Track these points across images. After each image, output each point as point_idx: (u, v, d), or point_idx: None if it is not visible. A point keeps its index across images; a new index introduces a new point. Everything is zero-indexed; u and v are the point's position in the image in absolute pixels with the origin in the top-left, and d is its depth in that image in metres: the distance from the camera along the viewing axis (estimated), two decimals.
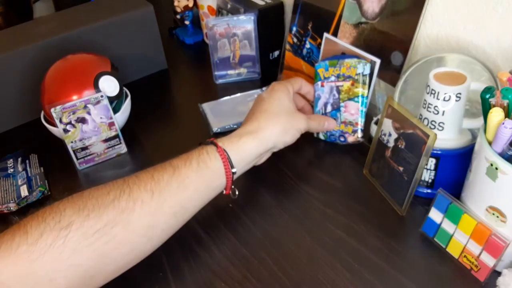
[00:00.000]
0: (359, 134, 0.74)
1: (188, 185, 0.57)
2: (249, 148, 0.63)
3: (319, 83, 0.75)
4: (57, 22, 0.96)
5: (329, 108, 0.75)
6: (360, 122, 0.73)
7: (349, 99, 0.73)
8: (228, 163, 0.61)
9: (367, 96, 0.73)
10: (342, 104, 0.73)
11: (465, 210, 0.56)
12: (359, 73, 0.71)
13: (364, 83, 0.72)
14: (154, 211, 0.54)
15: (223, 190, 0.63)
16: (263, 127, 0.65)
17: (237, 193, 0.66)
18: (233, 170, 0.61)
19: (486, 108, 0.53)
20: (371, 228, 0.63)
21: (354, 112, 0.73)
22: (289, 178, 0.74)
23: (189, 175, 0.57)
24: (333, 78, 0.73)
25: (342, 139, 0.76)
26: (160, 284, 0.59)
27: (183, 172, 0.57)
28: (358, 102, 0.72)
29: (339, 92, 0.73)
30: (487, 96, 0.52)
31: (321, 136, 0.78)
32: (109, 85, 0.79)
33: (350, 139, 0.75)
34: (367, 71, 0.72)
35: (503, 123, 0.49)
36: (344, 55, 0.76)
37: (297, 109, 0.73)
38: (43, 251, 0.46)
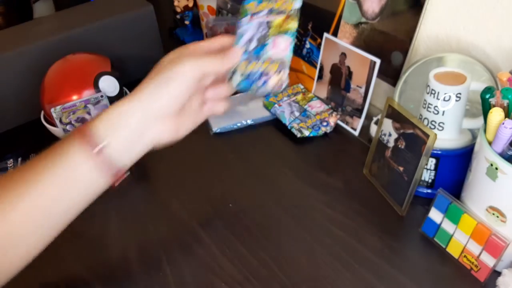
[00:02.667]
0: (285, 74, 0.62)
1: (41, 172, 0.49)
2: (112, 110, 0.50)
3: (247, 17, 0.64)
4: (57, 22, 0.96)
5: (253, 45, 0.64)
6: (288, 60, 0.63)
7: (280, 33, 0.64)
8: (85, 137, 0.49)
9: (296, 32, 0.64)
10: (269, 39, 0.63)
11: (465, 210, 0.56)
12: (296, 8, 0.63)
13: (297, 18, 0.63)
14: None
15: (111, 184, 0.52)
16: (136, 92, 0.51)
17: (127, 174, 0.56)
18: (101, 142, 0.49)
19: (486, 108, 0.53)
20: (371, 228, 0.63)
21: (283, 47, 0.64)
22: (289, 178, 0.74)
23: (42, 165, 0.50)
24: (265, 12, 0.64)
25: (261, 82, 0.61)
26: (160, 284, 0.59)
27: (34, 165, 0.50)
28: (290, 36, 0.63)
29: (269, 27, 0.64)
30: (487, 96, 0.52)
31: (237, 79, 0.61)
32: (109, 85, 0.79)
33: (273, 80, 0.62)
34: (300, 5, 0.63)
35: (503, 123, 0.49)
36: None
37: None
38: None
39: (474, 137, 0.63)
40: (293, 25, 0.63)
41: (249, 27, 0.64)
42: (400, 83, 0.69)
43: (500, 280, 0.53)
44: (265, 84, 0.63)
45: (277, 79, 0.63)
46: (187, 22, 1.18)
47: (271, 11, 0.64)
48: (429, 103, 0.61)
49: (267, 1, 0.64)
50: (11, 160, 0.81)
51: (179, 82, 0.50)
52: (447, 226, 0.58)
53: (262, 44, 0.64)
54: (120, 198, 0.74)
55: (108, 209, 0.71)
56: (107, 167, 0.50)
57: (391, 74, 0.75)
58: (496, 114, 0.51)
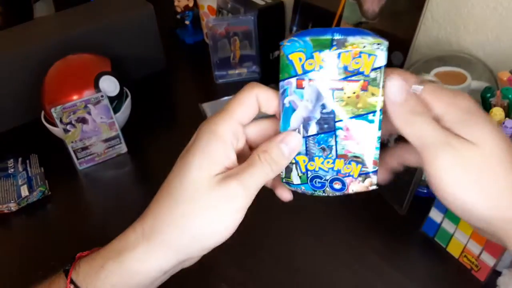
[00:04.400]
0: (373, 179, 0.41)
1: None
2: (118, 280, 0.37)
3: (293, 80, 0.38)
4: (57, 22, 0.96)
5: (313, 129, 0.39)
6: (376, 158, 0.40)
7: (357, 116, 0.38)
8: None
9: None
10: (340, 124, 0.39)
11: None
12: (379, 68, 0.37)
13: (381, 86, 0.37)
14: None
15: None
16: (155, 229, 0.37)
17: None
18: None
19: (486, 108, 0.53)
20: (371, 228, 0.63)
21: (362, 138, 0.39)
22: None
23: None
24: (325, 72, 0.38)
25: (336, 186, 0.42)
26: (159, 284, 0.59)
27: None
28: (372, 122, 0.38)
29: (336, 100, 0.39)
30: (487, 96, 0.52)
31: (294, 179, 0.44)
32: (109, 85, 0.79)
33: (355, 186, 0.42)
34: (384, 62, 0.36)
35: (503, 123, 0.49)
36: (348, 28, 0.38)
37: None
38: None
39: None
40: (377, 99, 0.38)
41: (300, 97, 0.38)
42: None
43: (500, 280, 0.53)
44: (343, 189, 0.43)
45: (361, 186, 0.42)
46: (187, 22, 1.18)
47: (338, 71, 0.38)
48: None
49: (323, 51, 0.37)
50: (11, 160, 0.81)
51: (227, 220, 0.39)
52: (448, 226, 0.58)
53: (329, 131, 0.39)
54: (120, 198, 0.74)
55: (108, 209, 0.71)
56: None
57: None
58: (496, 114, 0.51)
